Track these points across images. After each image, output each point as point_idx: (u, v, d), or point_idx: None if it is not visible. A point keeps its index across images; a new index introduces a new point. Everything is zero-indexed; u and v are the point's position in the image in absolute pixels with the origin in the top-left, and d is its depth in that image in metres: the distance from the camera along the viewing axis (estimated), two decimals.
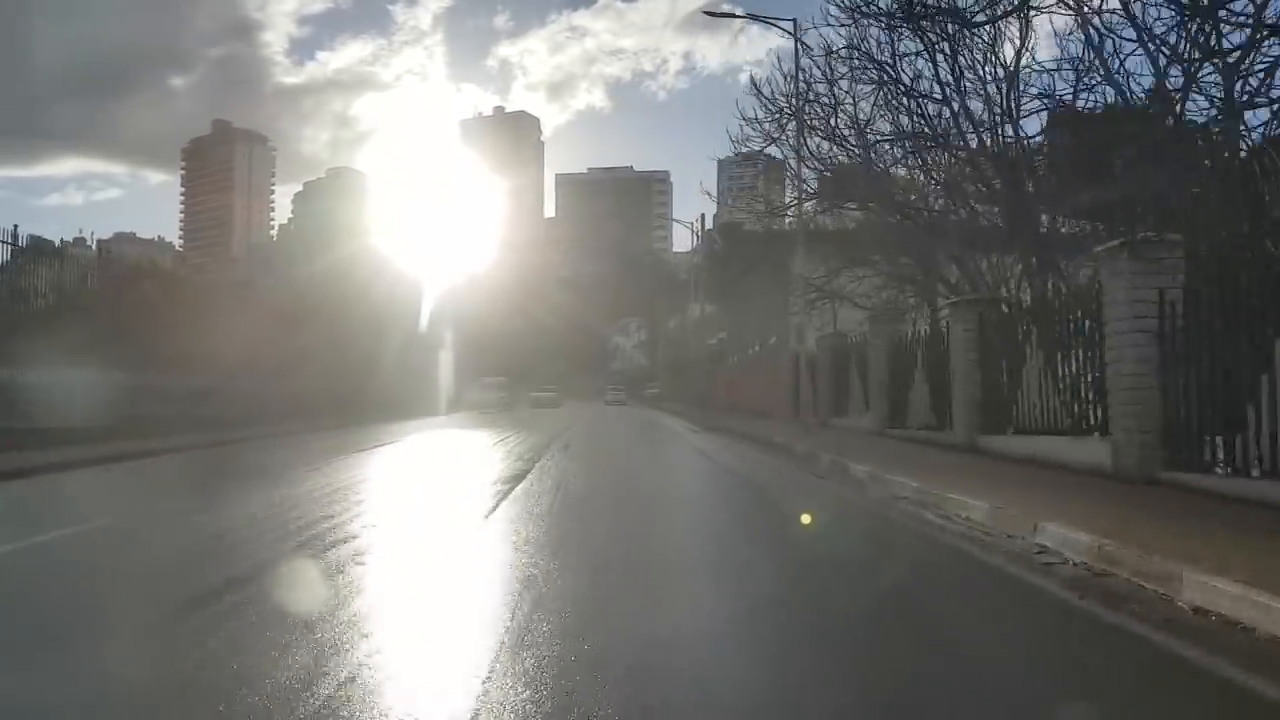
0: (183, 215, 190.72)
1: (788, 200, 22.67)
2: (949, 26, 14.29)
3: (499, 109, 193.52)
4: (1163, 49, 11.78)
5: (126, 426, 14.96)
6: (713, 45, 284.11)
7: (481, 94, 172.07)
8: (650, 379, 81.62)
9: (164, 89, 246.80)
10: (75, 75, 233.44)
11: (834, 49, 16.21)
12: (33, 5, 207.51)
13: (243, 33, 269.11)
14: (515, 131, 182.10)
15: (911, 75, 15.13)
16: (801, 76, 17.24)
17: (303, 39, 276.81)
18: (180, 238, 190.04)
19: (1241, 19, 11.28)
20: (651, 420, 31.83)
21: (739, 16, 25.13)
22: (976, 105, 14.69)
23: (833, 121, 17.03)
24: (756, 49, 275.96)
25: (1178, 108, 12.08)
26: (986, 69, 14.42)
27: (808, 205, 20.66)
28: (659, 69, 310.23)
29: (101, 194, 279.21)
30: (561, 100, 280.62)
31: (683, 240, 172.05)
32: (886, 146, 16.47)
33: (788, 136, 18.26)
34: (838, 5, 15.27)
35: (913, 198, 17.45)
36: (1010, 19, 13.96)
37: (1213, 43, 11.39)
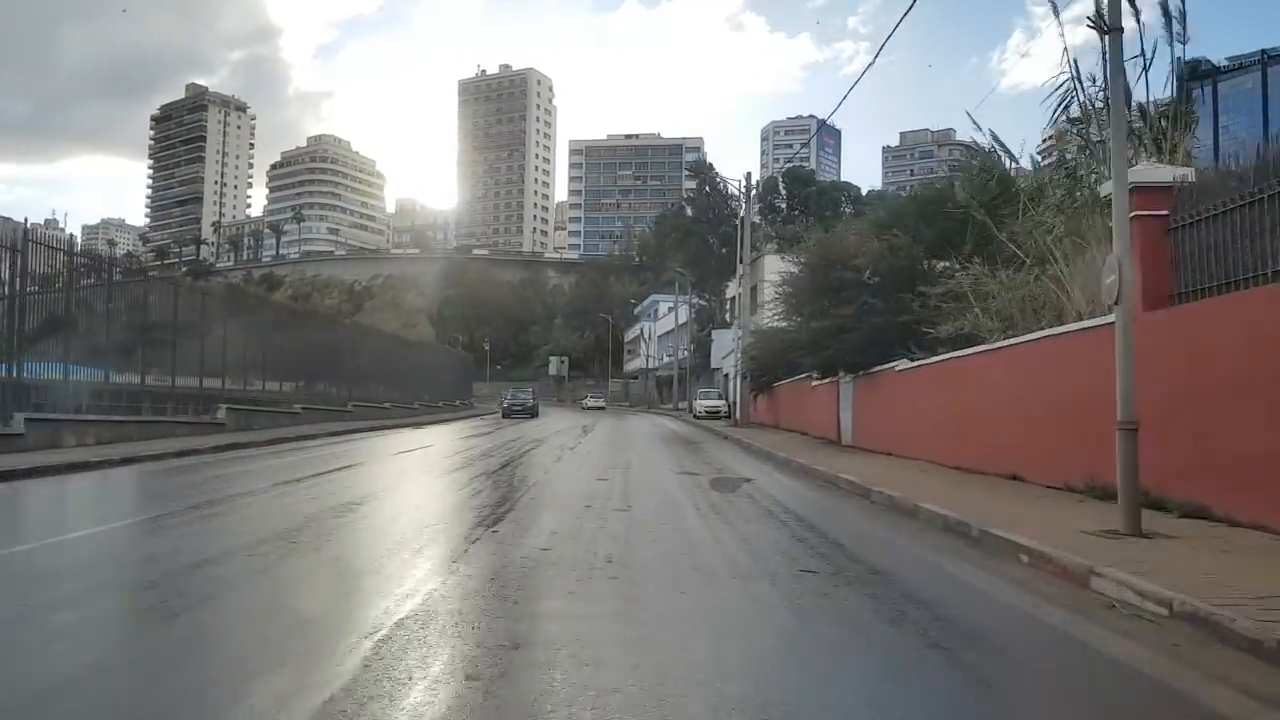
0: (150, 191, 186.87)
1: None
2: None
3: (505, 66, 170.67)
4: None
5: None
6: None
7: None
8: (698, 379, 55.40)
9: (186, 90, 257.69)
10: (98, 76, 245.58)
11: None
12: (58, 8, 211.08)
13: (265, 36, 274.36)
14: (523, 93, 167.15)
15: None
16: None
17: (326, 43, 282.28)
18: (146, 216, 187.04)
19: None
20: None
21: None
22: None
23: None
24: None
25: None
26: None
27: None
28: None
29: (121, 192, 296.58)
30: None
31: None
32: None
33: None
34: None
35: None
36: None
37: None
